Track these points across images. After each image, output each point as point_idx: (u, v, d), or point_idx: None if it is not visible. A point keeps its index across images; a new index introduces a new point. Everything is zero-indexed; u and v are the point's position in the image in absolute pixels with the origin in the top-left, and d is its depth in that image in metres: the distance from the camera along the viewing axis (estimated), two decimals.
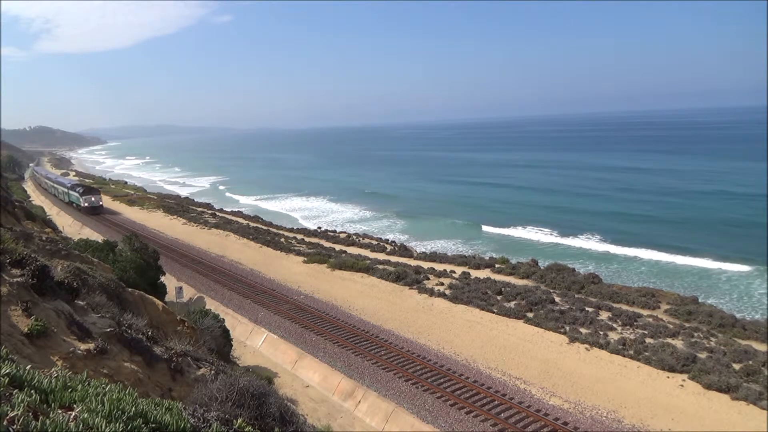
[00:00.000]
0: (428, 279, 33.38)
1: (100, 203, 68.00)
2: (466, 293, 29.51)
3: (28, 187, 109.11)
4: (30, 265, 6.89)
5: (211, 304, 28.91)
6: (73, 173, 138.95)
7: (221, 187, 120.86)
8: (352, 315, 27.92)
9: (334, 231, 58.25)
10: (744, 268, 42.08)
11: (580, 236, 56.66)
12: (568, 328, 24.40)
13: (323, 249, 44.56)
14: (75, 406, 2.90)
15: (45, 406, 2.80)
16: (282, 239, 49.22)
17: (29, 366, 3.40)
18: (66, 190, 76.96)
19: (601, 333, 23.75)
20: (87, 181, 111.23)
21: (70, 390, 3.09)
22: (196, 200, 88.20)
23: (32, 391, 2.87)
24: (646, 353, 21.38)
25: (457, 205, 79.42)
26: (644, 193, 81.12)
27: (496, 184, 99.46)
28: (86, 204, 65.93)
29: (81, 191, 68.48)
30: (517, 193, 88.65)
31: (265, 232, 53.16)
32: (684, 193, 79.28)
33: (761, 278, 39.46)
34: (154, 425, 3.01)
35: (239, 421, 4.51)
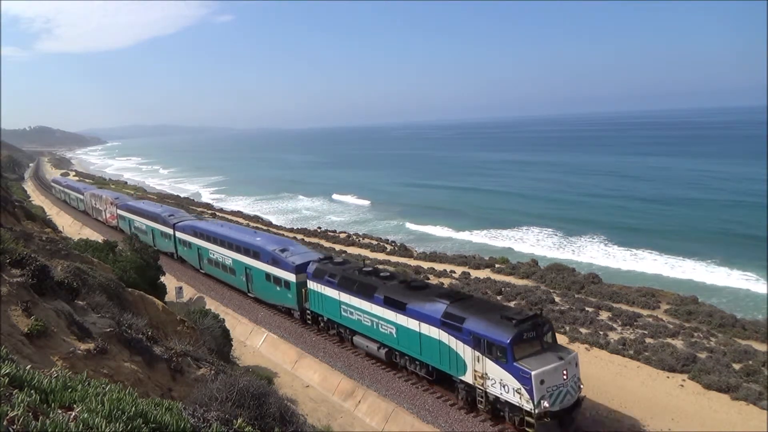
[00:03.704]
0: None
1: None
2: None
3: (28, 187, 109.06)
4: (30, 265, 6.89)
5: (211, 304, 28.88)
6: (73, 173, 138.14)
7: (202, 190, 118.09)
8: None
9: (334, 231, 58.26)
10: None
11: (580, 239, 56.24)
12: (568, 328, 24.38)
13: (323, 249, 44.53)
14: (75, 406, 2.90)
15: (45, 406, 2.80)
16: None
17: (29, 366, 3.40)
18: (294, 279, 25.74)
19: (601, 333, 23.74)
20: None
21: (70, 390, 3.09)
22: (195, 200, 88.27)
23: (32, 391, 2.87)
24: (646, 353, 21.38)
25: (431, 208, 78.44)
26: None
27: (495, 186, 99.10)
28: None
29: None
30: (497, 196, 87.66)
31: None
32: (677, 198, 77.70)
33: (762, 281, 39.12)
34: (154, 425, 3.01)
35: (239, 421, 4.51)
